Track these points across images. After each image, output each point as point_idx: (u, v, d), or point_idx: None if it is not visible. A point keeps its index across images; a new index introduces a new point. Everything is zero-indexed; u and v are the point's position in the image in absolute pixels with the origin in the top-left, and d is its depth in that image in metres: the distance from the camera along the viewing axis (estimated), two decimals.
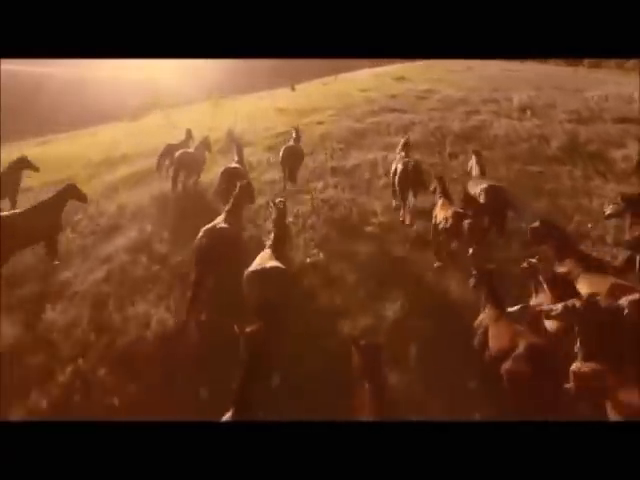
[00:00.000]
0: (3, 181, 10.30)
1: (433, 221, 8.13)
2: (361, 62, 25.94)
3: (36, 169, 10.99)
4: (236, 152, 11.15)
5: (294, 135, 12.20)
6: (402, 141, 10.90)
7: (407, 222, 9.34)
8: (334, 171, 12.41)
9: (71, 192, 8.77)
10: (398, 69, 27.71)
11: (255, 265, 6.08)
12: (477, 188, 8.34)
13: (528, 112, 16.97)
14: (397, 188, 9.67)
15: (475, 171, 9.34)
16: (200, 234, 6.91)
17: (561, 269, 5.83)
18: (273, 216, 7.51)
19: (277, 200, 7.78)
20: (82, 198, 8.99)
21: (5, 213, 7.94)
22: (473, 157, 9.86)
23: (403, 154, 10.27)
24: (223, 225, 7.08)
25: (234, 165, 10.39)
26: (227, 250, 6.75)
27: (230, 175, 9.81)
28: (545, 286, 5.70)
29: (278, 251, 6.51)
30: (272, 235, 6.91)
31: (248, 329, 4.88)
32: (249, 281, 5.87)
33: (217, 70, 34.55)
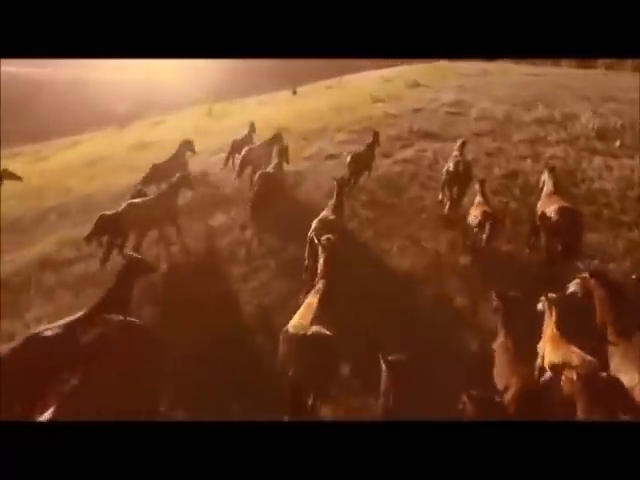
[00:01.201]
0: (171, 164, 11.52)
1: (468, 218, 8.55)
2: (363, 62, 25.23)
3: (194, 152, 12.32)
4: (277, 154, 11.04)
5: (371, 139, 10.95)
6: (459, 143, 10.42)
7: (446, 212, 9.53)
8: (373, 299, 7.22)
9: (184, 182, 9.82)
10: (408, 72, 24.98)
11: (295, 325, 5.27)
12: (549, 208, 7.68)
13: (617, 142, 12.56)
14: (446, 185, 9.79)
15: (548, 187, 8.43)
16: (314, 226, 7.74)
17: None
18: (321, 260, 6.58)
19: (323, 238, 6.95)
20: (192, 186, 10.07)
21: (135, 200, 9.10)
22: (546, 172, 8.76)
23: (457, 153, 10.11)
24: (332, 217, 8.02)
25: (270, 170, 10.44)
26: (339, 240, 7.22)
27: (266, 178, 9.92)
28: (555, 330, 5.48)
29: (325, 305, 5.61)
30: (319, 285, 6.07)
31: (391, 358, 4.75)
32: (286, 344, 5.14)
33: (217, 70, 34.31)
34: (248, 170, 11.24)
